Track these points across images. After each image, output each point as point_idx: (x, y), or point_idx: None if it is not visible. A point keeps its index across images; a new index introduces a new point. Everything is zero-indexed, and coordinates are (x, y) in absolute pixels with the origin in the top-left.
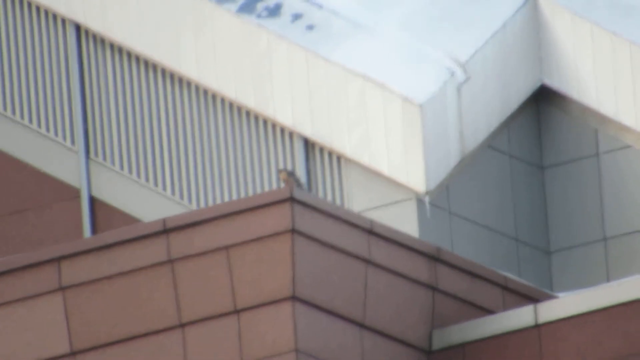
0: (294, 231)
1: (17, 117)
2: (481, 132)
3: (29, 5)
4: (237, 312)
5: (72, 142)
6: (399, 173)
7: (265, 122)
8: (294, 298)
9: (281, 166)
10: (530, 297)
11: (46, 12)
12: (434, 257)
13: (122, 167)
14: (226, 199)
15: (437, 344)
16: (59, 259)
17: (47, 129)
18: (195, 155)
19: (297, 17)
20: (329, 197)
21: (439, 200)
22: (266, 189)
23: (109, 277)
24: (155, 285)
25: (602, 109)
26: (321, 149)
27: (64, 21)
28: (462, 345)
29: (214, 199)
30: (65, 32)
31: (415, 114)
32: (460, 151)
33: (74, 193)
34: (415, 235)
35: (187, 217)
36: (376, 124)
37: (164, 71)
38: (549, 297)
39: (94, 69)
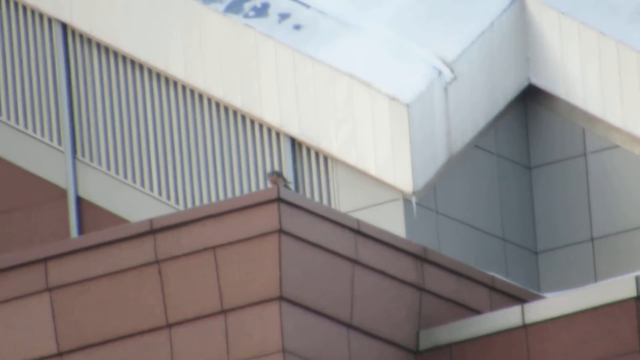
0: (281, 231)
1: (4, 117)
2: (468, 131)
3: (15, 4)
4: (224, 312)
5: (59, 142)
6: (386, 173)
7: (252, 121)
8: (281, 298)
9: (269, 166)
10: (518, 297)
11: (32, 12)
12: (421, 257)
13: (109, 168)
14: (213, 199)
15: (424, 344)
16: (45, 260)
17: (34, 130)
18: (182, 155)
19: (284, 16)
20: (316, 197)
21: (426, 200)
22: (253, 189)
23: (96, 278)
24: (142, 286)
25: (589, 108)
26: (308, 149)
27: (50, 21)
28: (449, 346)
29: (201, 199)
30: (52, 32)
31: (403, 113)
32: (448, 151)
33: (61, 193)
34: (402, 235)
35: (174, 217)
36: (363, 124)
37: (151, 71)
38: (536, 297)
39: (80, 69)
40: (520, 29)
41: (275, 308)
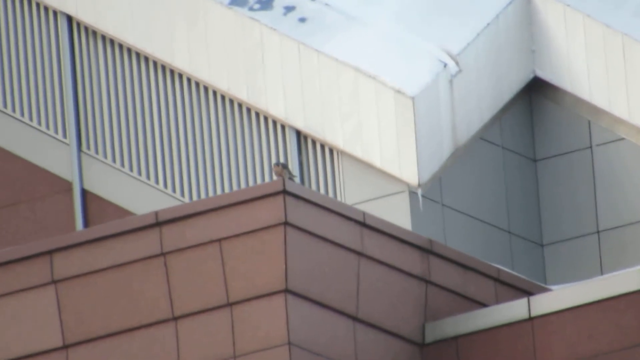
0: (286, 224)
1: (9, 110)
2: (474, 124)
3: None
4: (229, 305)
5: (64, 135)
6: (391, 165)
7: (257, 114)
8: (286, 291)
9: (274, 159)
10: (524, 290)
11: (38, 5)
12: (427, 250)
13: (114, 160)
14: (219, 191)
15: (429, 337)
16: (51, 252)
17: (39, 122)
18: (187, 148)
19: (289, 9)
20: (322, 190)
21: (432, 193)
22: (259, 181)
23: (102, 270)
24: (148, 278)
25: (595, 100)
26: (314, 141)
27: (55, 13)
28: (455, 338)
29: (207, 191)
30: (57, 25)
31: (408, 106)
32: (453, 143)
33: (66, 186)
34: (407, 227)
35: (180, 209)
36: (369, 116)
37: (156, 64)
38: (542, 289)
39: (86, 61)
40: (526, 22)
41: (281, 301)
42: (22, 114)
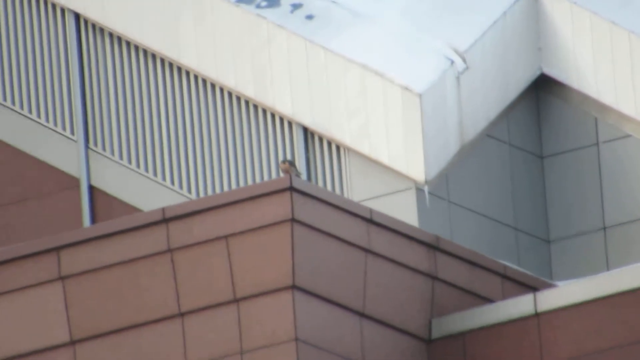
0: (293, 220)
1: (17, 107)
2: (481, 121)
3: None
4: (236, 301)
5: (72, 131)
6: (398, 162)
7: (264, 111)
8: (293, 287)
9: (281, 156)
10: (530, 286)
11: (45, 2)
12: (434, 246)
13: (121, 157)
14: (226, 188)
15: (436, 333)
16: (58, 248)
17: (47, 119)
18: (194, 144)
19: (296, 6)
20: (329, 187)
21: (439, 190)
22: (266, 178)
23: (109, 267)
24: (155, 275)
25: (601, 97)
26: (321, 138)
27: (63, 10)
28: (462, 334)
29: (214, 188)
30: (65, 22)
31: (415, 103)
32: (460, 140)
33: (74, 182)
34: (414, 224)
35: (187, 206)
36: (376, 113)
37: (163, 61)
38: (549, 285)
39: (93, 58)
40: (533, 19)
41: (288, 297)
42: (30, 111)
